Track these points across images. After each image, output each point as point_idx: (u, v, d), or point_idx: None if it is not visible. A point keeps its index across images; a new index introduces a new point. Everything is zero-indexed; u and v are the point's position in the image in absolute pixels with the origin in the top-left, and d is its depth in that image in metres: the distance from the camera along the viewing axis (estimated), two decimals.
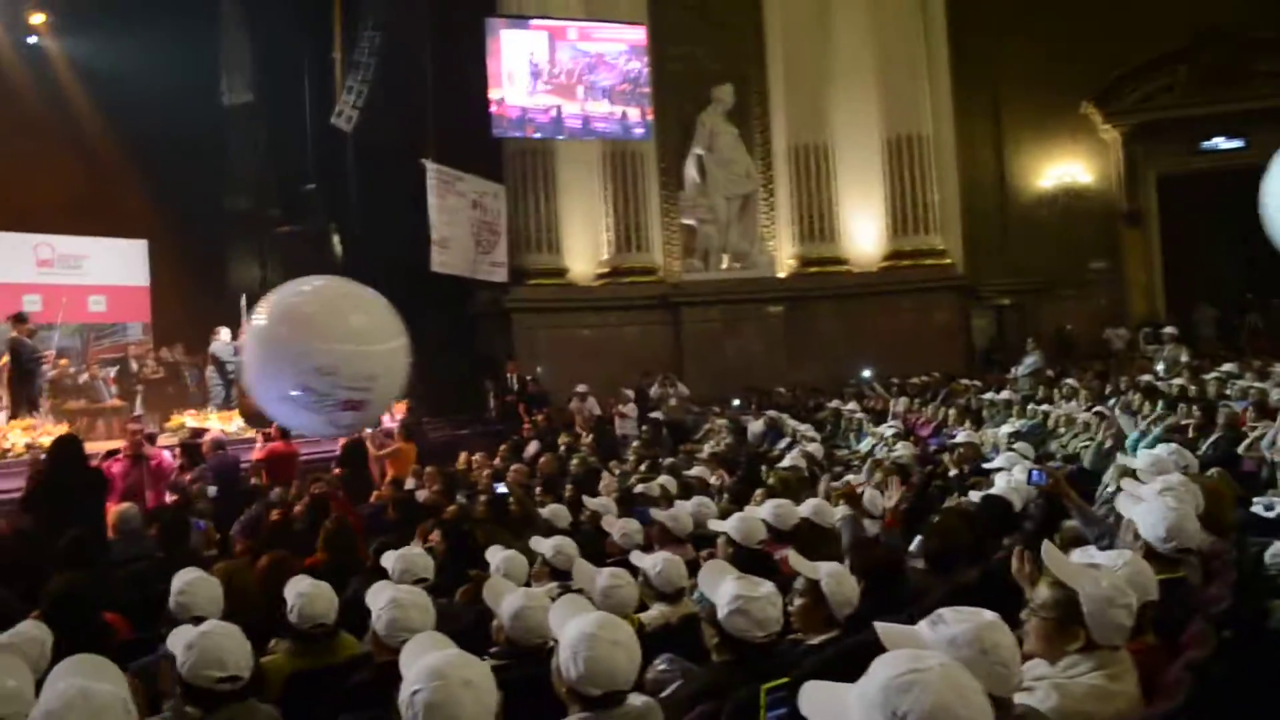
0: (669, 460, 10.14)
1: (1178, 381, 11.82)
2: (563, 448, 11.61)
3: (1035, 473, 5.23)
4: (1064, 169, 18.97)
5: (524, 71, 16.91)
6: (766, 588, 3.22)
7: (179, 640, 3.12)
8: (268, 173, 18.95)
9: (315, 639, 4.02)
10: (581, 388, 15.15)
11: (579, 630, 2.82)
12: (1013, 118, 19.15)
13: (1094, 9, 17.81)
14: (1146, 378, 12.49)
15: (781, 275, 18.80)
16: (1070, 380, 12.90)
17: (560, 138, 17.89)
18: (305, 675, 3.93)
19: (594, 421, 14.32)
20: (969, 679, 1.85)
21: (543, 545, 5.20)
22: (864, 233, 18.65)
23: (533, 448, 12.64)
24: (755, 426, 13.45)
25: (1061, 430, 10.63)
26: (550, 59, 17.15)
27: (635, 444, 11.82)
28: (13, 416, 11.37)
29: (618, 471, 10.02)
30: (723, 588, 3.25)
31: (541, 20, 17.28)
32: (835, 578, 3.58)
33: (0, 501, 8.80)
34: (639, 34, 17.78)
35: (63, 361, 14.29)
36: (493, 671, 3.68)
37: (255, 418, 13.14)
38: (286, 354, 4.94)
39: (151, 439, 9.84)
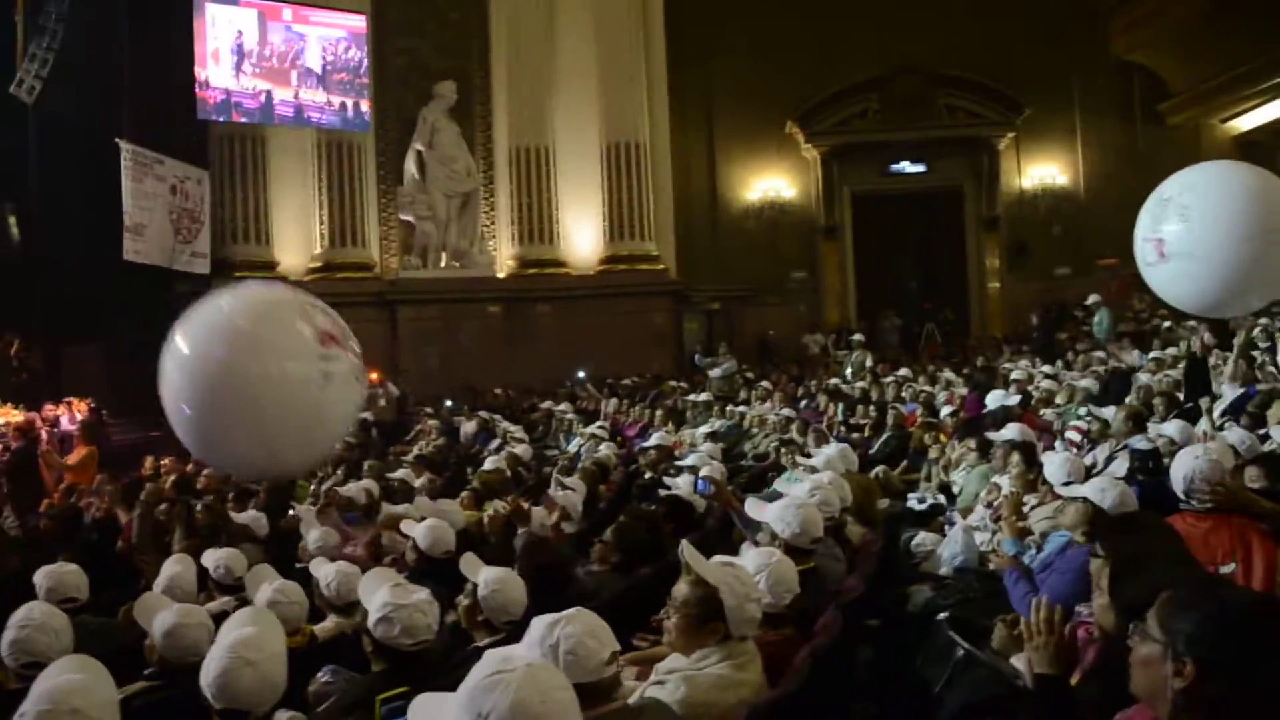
0: (370, 462, 9.90)
1: (860, 385, 12.75)
2: None
3: (700, 482, 5.48)
4: (770, 183, 20.00)
5: (231, 51, 16.03)
6: (419, 595, 3.20)
7: None
8: None
9: None
10: None
11: (219, 647, 2.75)
12: (724, 131, 19.98)
13: (801, 34, 18.85)
14: (834, 381, 13.40)
15: (501, 275, 18.80)
16: (765, 383, 13.66)
17: (270, 123, 17.09)
18: None
19: None
20: (553, 676, 1.92)
21: (208, 559, 4.97)
22: (582, 236, 18.94)
23: None
24: (468, 427, 13.43)
25: (755, 430, 11.24)
26: (261, 40, 16.35)
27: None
28: None
29: (318, 475, 9.69)
30: (376, 596, 3.21)
31: None
32: (493, 583, 3.61)
33: None
34: (359, 21, 17.29)
35: None
36: (145, 693, 3.52)
37: None
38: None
39: None
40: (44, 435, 11.20)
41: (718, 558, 3.33)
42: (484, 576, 3.67)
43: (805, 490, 4.55)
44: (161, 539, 6.75)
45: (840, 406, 11.24)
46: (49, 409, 12.97)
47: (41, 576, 4.43)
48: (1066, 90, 19.74)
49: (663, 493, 6.17)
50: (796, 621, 3.50)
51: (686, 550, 3.03)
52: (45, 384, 14.63)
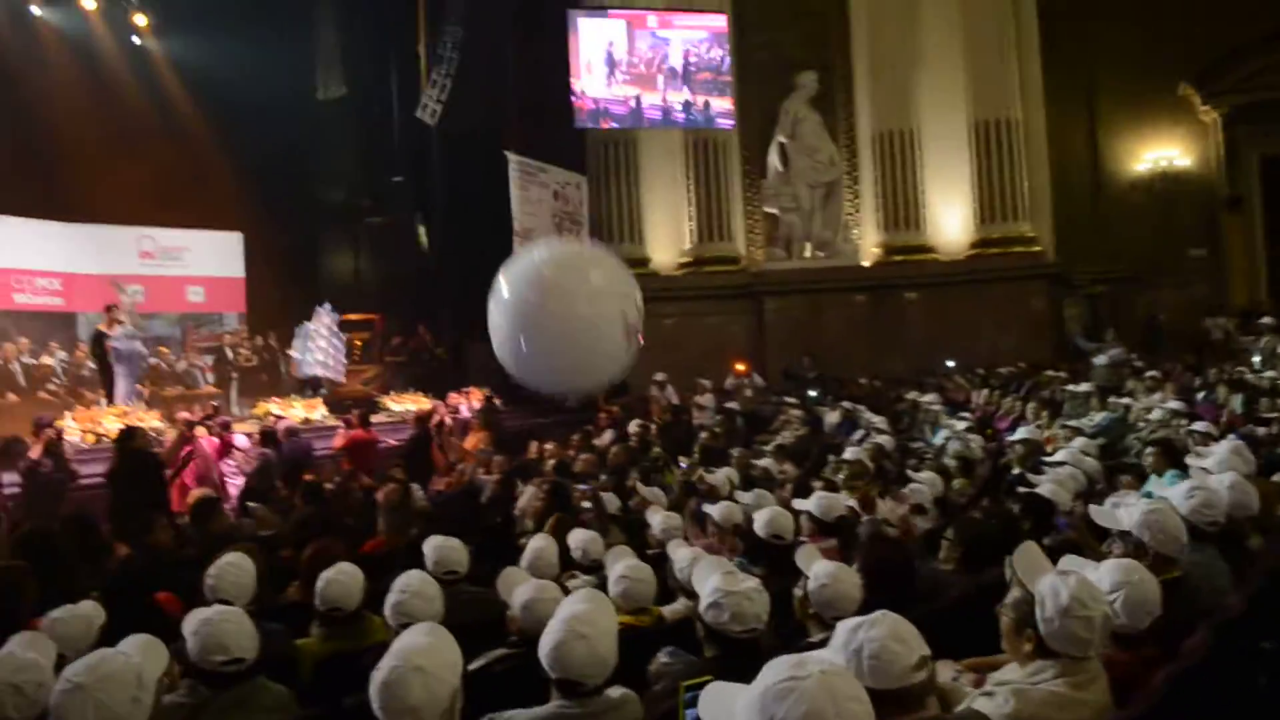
0: (738, 452, 10.10)
1: (1270, 374, 11.35)
2: (633, 438, 11.66)
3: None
4: (1160, 153, 18.29)
5: (603, 62, 17.00)
6: (750, 582, 3.23)
7: (187, 626, 3.28)
8: (358, 165, 19.43)
9: (341, 623, 4.15)
10: (660, 376, 15.18)
11: (556, 620, 2.91)
12: (1106, 99, 18.50)
13: None
14: (1238, 370, 12.01)
15: (866, 264, 18.57)
16: (1155, 372, 12.48)
17: (639, 127, 17.92)
18: (333, 658, 4.07)
19: (671, 411, 14.37)
20: (849, 685, 1.86)
21: (572, 539, 5.28)
22: (951, 220, 18.29)
23: (607, 437, 12.73)
24: (831, 418, 13.33)
25: (1141, 425, 10.31)
26: (629, 48, 17.20)
27: (703, 435, 11.80)
28: (109, 402, 11.91)
29: (684, 463, 10.06)
30: (708, 581, 3.28)
31: (621, 9, 17.32)
32: (824, 577, 3.57)
33: (96, 485, 9.23)
34: (720, 21, 17.70)
35: (163, 350, 14.96)
36: (504, 659, 3.83)
37: (343, 405, 13.63)
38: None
39: (206, 427, 10.15)
40: (448, 421, 12.45)
41: (1071, 563, 3.09)
42: (815, 569, 3.64)
43: (1182, 492, 4.13)
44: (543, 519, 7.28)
45: (1242, 398, 10.05)
46: (452, 397, 14.45)
47: (429, 548, 4.88)
48: None
49: (1022, 490, 5.83)
50: (1159, 640, 3.18)
51: (1021, 551, 2.86)
52: (450, 375, 16.27)
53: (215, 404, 12.57)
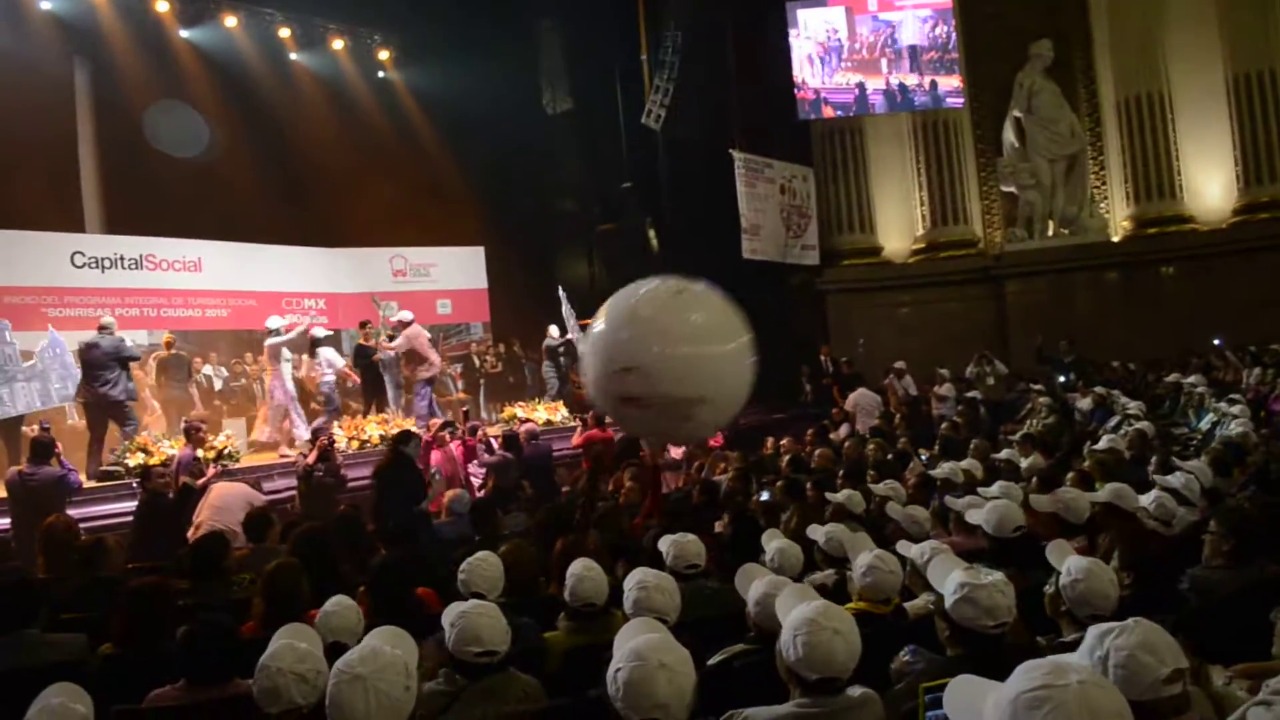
0: (976, 442, 9.72)
1: None
2: (868, 430, 11.44)
3: None
4: None
5: (824, 50, 16.79)
6: (995, 575, 3.11)
7: (446, 618, 3.48)
8: (588, 175, 19.99)
9: (589, 617, 4.29)
10: (898, 364, 14.84)
11: (801, 615, 2.89)
12: None
13: None
14: None
15: (1116, 239, 17.46)
16: None
17: (864, 114, 17.58)
18: (580, 650, 4.21)
19: (908, 402, 14.02)
20: (1110, 698, 1.74)
21: (816, 533, 5.23)
22: (1210, 186, 16.92)
23: (843, 431, 12.57)
24: (1083, 404, 12.63)
25: None
26: (850, 34, 16.92)
27: (943, 426, 11.42)
28: (365, 413, 12.76)
29: (925, 455, 9.78)
30: (950, 578, 3.18)
31: None
32: (1078, 573, 3.38)
33: (361, 487, 9.94)
34: None
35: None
36: (743, 654, 3.85)
37: (578, 406, 14.05)
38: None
39: (453, 430, 10.66)
40: None
41: None
42: (1070, 564, 3.46)
43: None
44: (777, 515, 7.25)
45: None
46: None
47: (666, 544, 4.96)
48: None
49: None
50: None
51: None
52: None
53: (465, 409, 13.20)
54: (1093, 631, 2.22)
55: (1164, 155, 16.97)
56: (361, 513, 7.22)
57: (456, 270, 18.30)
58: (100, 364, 10.22)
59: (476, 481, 10.18)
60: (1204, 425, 10.53)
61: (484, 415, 14.94)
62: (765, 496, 7.62)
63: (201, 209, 14.92)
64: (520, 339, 17.27)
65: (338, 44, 17.37)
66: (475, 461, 10.40)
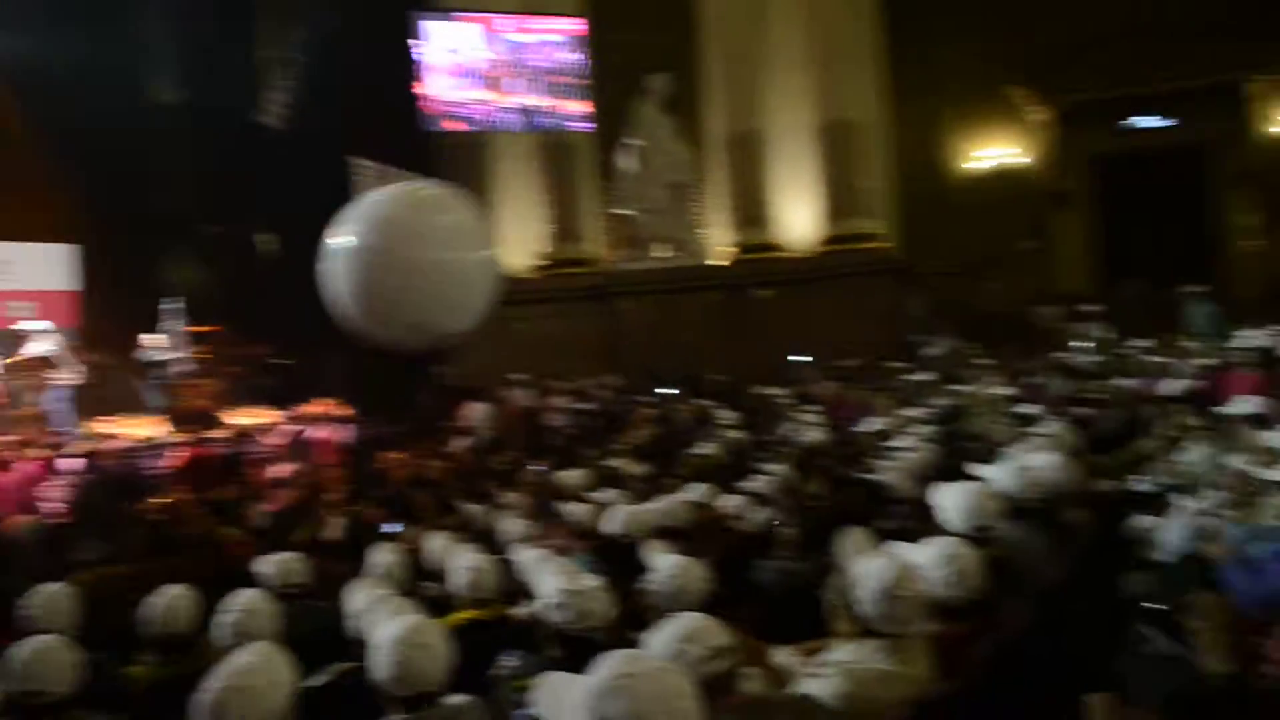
0: (589, 452, 10.14)
1: (1092, 359, 12.01)
2: (484, 442, 11.58)
3: None
4: (1000, 150, 19.29)
5: (454, 64, 16.84)
6: (592, 582, 3.26)
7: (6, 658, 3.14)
8: (198, 173, 18.70)
9: (175, 648, 4.03)
10: (515, 377, 15.16)
11: (387, 635, 2.87)
12: (949, 100, 19.19)
13: None
14: (1062, 355, 12.69)
15: (720, 263, 18.86)
16: (986, 360, 13.08)
17: (490, 130, 17.83)
18: (164, 683, 3.94)
19: (524, 414, 14.32)
20: (679, 683, 1.89)
21: (430, 544, 5.22)
22: (799, 218, 18.69)
23: (459, 444, 12.61)
24: (684, 416, 13.49)
25: (980, 410, 10.76)
26: (481, 51, 17.10)
27: (556, 437, 11.80)
28: None
29: (540, 465, 10.02)
30: (550, 582, 3.30)
31: (471, 13, 17.18)
32: (672, 569, 3.62)
33: None
34: (578, 25, 17.75)
35: None
36: (350, 674, 3.76)
37: (185, 421, 13.13)
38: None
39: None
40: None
41: (896, 547, 3.22)
42: (661, 563, 3.69)
43: (999, 473, 4.35)
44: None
45: (1066, 382, 10.62)
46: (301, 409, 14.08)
47: (269, 564, 4.79)
48: None
49: (861, 476, 6.04)
50: (981, 613, 3.35)
51: (846, 536, 2.97)
52: (298, 386, 15.81)
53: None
54: (663, 624, 2.40)
55: (762, 188, 18.56)
56: None
57: (41, 269, 16.47)
58: None
59: (53, 505, 9.18)
60: (788, 432, 11.59)
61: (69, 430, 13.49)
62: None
63: None
64: (115, 348, 15.77)
65: None
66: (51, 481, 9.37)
